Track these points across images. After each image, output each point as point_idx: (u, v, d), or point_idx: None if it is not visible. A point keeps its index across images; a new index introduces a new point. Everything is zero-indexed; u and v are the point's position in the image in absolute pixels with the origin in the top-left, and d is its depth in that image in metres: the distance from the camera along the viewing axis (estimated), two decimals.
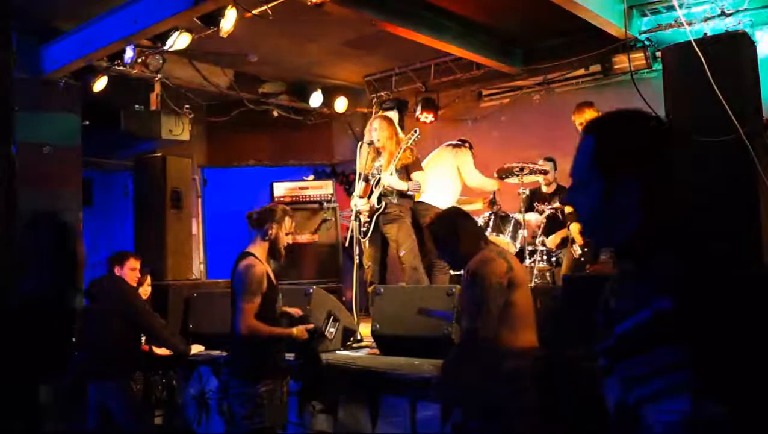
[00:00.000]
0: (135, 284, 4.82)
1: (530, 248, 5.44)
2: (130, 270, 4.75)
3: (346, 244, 5.49)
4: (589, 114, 4.96)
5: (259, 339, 3.47)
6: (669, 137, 1.37)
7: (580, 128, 5.02)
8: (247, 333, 3.40)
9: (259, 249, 3.55)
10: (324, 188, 6.74)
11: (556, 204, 5.78)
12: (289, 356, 4.43)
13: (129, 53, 5.55)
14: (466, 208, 5.98)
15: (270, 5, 4.76)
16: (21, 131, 4.91)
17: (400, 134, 5.51)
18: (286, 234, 3.62)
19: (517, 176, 5.55)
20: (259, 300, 3.43)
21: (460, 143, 6.05)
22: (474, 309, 2.91)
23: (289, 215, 3.64)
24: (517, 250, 5.55)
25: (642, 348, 1.19)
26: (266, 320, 3.47)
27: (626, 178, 1.30)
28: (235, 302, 3.47)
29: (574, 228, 4.87)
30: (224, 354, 5.16)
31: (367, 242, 5.21)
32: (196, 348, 5.15)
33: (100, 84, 5.94)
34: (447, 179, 5.81)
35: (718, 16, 5.09)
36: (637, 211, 1.31)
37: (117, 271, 4.72)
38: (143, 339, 4.92)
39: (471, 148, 6.08)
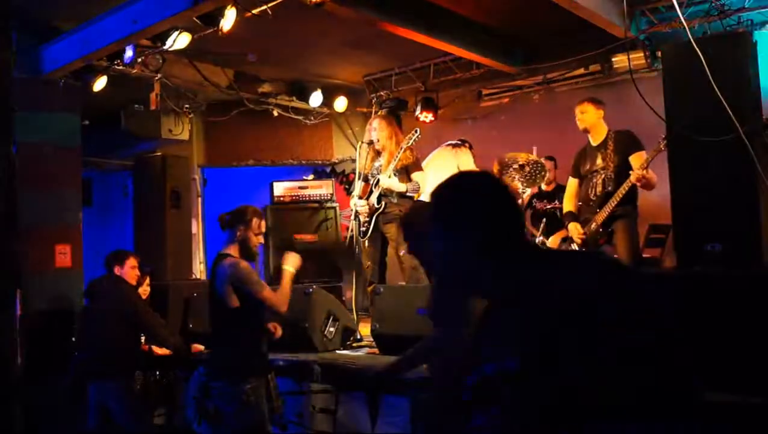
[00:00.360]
0: (135, 283, 4.83)
1: None
2: (131, 268, 4.76)
3: (346, 244, 5.50)
4: (583, 108, 4.96)
5: (256, 334, 3.58)
6: (509, 197, 1.45)
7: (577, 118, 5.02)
8: (285, 307, 3.52)
9: (233, 250, 3.61)
10: (324, 188, 6.74)
11: (556, 203, 5.79)
12: (290, 356, 4.44)
13: (129, 53, 5.54)
14: None
15: (270, 5, 4.75)
16: (21, 131, 4.89)
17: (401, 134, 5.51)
18: (255, 235, 3.67)
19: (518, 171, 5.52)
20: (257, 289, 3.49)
21: (460, 142, 6.06)
22: (453, 313, 2.90)
23: (258, 216, 3.69)
24: None
25: (487, 400, 1.24)
26: (250, 317, 3.54)
27: (467, 234, 1.38)
28: (222, 302, 3.49)
29: (573, 228, 4.87)
30: None
31: (366, 241, 5.21)
32: (196, 348, 5.15)
33: (99, 84, 5.93)
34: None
35: (718, 15, 5.09)
36: (481, 265, 1.37)
37: (117, 270, 4.72)
38: (143, 338, 4.92)
39: (471, 148, 6.09)
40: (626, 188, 4.59)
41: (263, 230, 3.74)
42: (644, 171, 4.47)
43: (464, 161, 5.88)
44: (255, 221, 3.65)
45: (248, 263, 3.55)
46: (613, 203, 4.64)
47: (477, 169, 5.91)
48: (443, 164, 5.85)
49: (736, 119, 3.28)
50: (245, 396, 3.42)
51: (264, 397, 3.55)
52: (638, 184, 4.59)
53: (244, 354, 3.53)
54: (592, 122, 4.92)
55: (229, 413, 3.44)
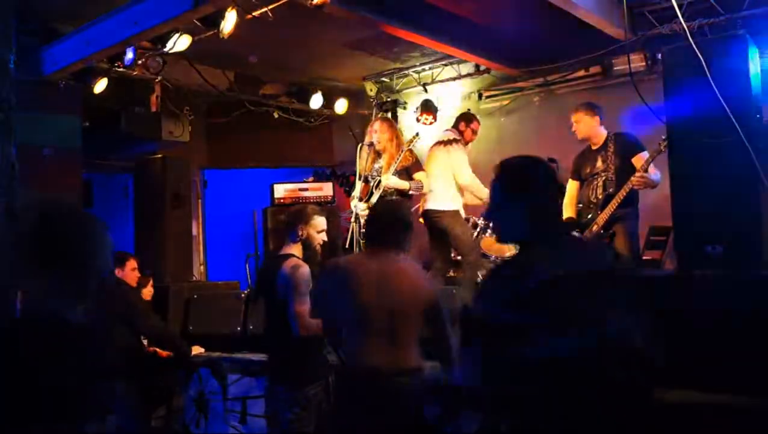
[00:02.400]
0: (135, 285, 4.83)
1: None
2: (131, 270, 4.76)
3: (346, 245, 5.49)
4: (576, 118, 4.99)
5: (316, 338, 3.46)
6: None
7: (573, 128, 5.03)
8: (307, 335, 3.38)
9: (295, 251, 3.57)
10: (324, 190, 6.74)
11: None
12: None
13: (129, 55, 5.54)
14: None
15: (270, 7, 4.76)
16: (21, 132, 4.89)
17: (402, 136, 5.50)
18: (318, 232, 3.64)
19: None
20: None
21: (450, 138, 5.82)
22: None
23: (319, 213, 3.66)
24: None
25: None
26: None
27: None
28: (284, 306, 3.42)
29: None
30: (225, 355, 5.17)
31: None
32: (196, 350, 5.15)
33: (100, 85, 5.93)
34: (446, 180, 5.67)
35: (718, 17, 5.09)
36: None
37: (118, 273, 4.72)
38: (145, 341, 4.92)
39: (473, 125, 5.89)
40: (627, 191, 4.59)
41: (325, 227, 3.69)
42: (644, 173, 4.48)
43: (457, 159, 5.66)
44: (316, 218, 3.62)
45: (308, 271, 3.46)
46: (613, 205, 4.64)
47: (469, 166, 5.75)
48: (437, 166, 5.65)
49: (736, 120, 3.27)
50: (308, 402, 3.37)
51: (323, 402, 3.48)
52: (639, 186, 4.59)
53: (308, 358, 3.46)
54: (587, 132, 4.94)
55: (287, 418, 3.36)
